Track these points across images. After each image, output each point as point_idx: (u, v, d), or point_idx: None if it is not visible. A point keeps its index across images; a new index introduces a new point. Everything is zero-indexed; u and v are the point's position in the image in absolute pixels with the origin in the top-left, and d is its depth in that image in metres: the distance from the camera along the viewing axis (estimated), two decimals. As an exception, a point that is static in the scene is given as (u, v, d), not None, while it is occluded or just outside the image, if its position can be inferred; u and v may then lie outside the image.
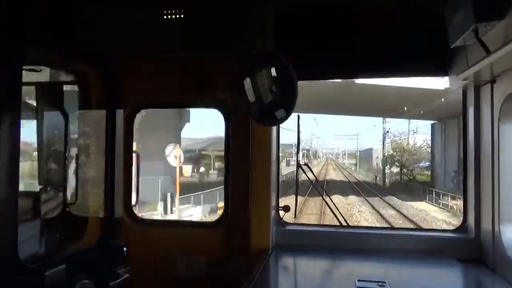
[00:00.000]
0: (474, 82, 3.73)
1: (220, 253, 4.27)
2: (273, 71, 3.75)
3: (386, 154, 55.96)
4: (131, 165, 4.66)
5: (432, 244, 4.02)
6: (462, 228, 4.10)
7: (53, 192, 4.62)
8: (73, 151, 4.62)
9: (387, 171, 56.10)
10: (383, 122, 56.33)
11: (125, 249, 4.14)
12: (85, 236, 4.22)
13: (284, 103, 3.77)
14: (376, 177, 59.51)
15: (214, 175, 49.46)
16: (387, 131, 56.58)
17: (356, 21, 4.04)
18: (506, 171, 3.37)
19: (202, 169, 51.56)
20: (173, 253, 4.34)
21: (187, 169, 45.88)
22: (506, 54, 2.61)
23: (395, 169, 55.74)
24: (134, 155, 4.81)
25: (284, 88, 3.75)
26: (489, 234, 3.59)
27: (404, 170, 53.73)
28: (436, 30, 3.57)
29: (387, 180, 54.59)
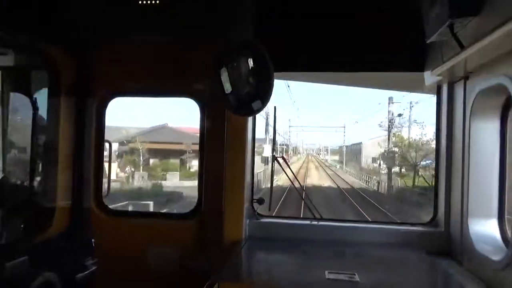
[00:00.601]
0: (448, 78, 3.78)
1: (192, 245, 4.21)
2: (250, 62, 3.69)
3: (389, 149, 37.45)
4: (102, 154, 4.52)
5: (403, 237, 4.07)
6: (432, 222, 4.17)
7: (18, 181, 4.43)
8: (41, 138, 4.43)
9: (382, 171, 39.91)
10: (389, 104, 37.28)
11: (93, 240, 4.02)
12: (51, 226, 4.06)
13: (260, 94, 3.72)
14: (377, 183, 38.01)
15: (142, 178, 30.19)
16: (393, 117, 37.02)
17: (334, 15, 4.03)
18: (476, 167, 3.43)
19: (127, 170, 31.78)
20: (144, 245, 4.25)
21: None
22: (479, 50, 2.63)
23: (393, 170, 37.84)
24: (106, 144, 4.67)
25: (260, 79, 3.71)
26: (457, 228, 3.66)
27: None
28: (413, 25, 3.59)
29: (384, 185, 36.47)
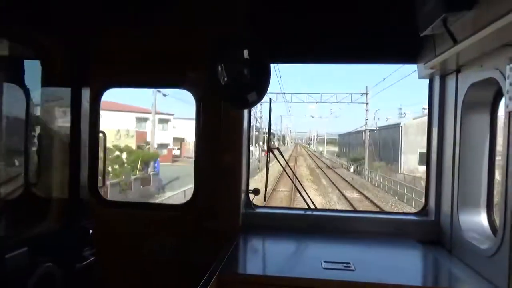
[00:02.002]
0: (440, 71, 3.85)
1: (189, 235, 4.27)
2: (246, 53, 3.70)
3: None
4: (97, 144, 4.53)
5: (395, 227, 4.18)
6: (423, 211, 4.29)
7: (14, 173, 4.41)
8: (36, 129, 4.41)
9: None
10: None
11: (91, 231, 4.05)
12: (49, 217, 4.08)
13: (256, 86, 3.75)
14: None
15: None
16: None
17: (329, 6, 4.04)
18: (466, 158, 3.53)
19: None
20: (141, 236, 4.30)
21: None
22: (472, 44, 2.69)
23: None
24: (101, 135, 4.67)
25: (256, 71, 3.73)
26: (448, 217, 3.77)
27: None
28: (407, 18, 3.63)
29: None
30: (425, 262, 3.75)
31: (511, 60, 2.42)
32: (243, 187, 4.36)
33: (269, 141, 4.84)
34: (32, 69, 4.39)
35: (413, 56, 4.12)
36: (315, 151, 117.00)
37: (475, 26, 2.60)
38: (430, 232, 4.02)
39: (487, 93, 3.35)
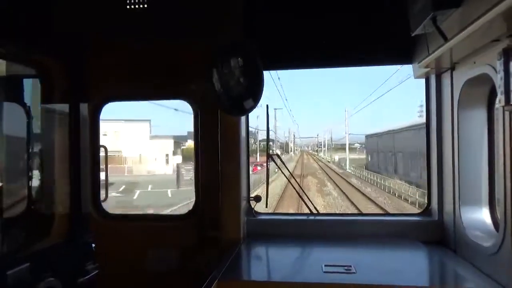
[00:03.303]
0: (435, 70, 3.85)
1: (191, 245, 4.26)
2: (240, 62, 3.74)
3: None
4: (98, 159, 4.56)
5: (398, 228, 4.14)
6: (426, 211, 4.25)
7: (15, 189, 4.45)
8: (37, 146, 4.46)
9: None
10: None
11: (93, 245, 4.06)
12: (51, 233, 4.10)
13: (252, 93, 3.78)
14: None
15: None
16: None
17: (321, 11, 4.08)
18: (466, 155, 3.50)
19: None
20: (144, 247, 4.30)
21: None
22: (463, 40, 2.70)
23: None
24: (102, 149, 4.70)
25: (251, 78, 3.76)
26: (450, 216, 3.73)
27: None
28: (399, 19, 3.65)
29: None
30: (430, 263, 3.71)
31: (501, 55, 2.41)
32: (244, 194, 4.35)
33: (268, 147, 4.84)
34: (32, 87, 4.46)
35: (407, 56, 4.13)
36: (329, 161, 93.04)
37: (463, 23, 2.61)
38: (434, 233, 3.98)
39: (483, 89, 3.34)
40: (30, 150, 4.37)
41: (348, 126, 74.79)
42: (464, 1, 2.78)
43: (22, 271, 3.14)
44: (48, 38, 3.90)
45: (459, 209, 3.52)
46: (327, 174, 54.32)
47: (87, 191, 4.38)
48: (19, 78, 4.54)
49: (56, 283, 3.40)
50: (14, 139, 4.55)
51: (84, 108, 4.41)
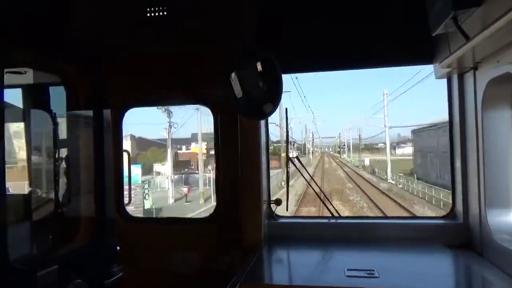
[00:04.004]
0: (457, 70, 3.77)
1: (213, 248, 4.30)
2: (259, 66, 3.77)
3: None
4: (122, 164, 4.66)
5: (421, 231, 4.07)
6: (451, 214, 4.15)
7: (44, 194, 4.60)
8: (63, 151, 4.60)
9: None
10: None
11: (118, 247, 4.16)
12: (77, 236, 4.22)
13: (271, 97, 3.80)
14: None
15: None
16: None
17: (339, 12, 4.06)
18: (491, 156, 3.42)
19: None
20: (167, 250, 4.37)
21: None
22: (485, 40, 2.64)
23: None
24: (124, 153, 4.81)
25: (270, 82, 3.78)
26: (476, 219, 3.64)
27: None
28: (419, 19, 3.60)
29: None
30: (456, 267, 3.63)
31: None
32: (265, 197, 4.36)
33: (287, 150, 4.84)
34: (57, 95, 4.62)
35: (428, 57, 4.05)
36: (357, 165, 73.31)
37: (485, 22, 2.56)
38: (459, 236, 3.88)
39: (507, 89, 3.25)
40: (57, 155, 4.52)
41: (387, 116, 49.96)
42: None
43: (51, 273, 3.25)
44: (72, 47, 4.04)
45: (485, 211, 3.43)
46: (366, 194, 32.66)
47: (111, 195, 4.49)
48: (45, 86, 4.71)
49: (83, 285, 3.50)
50: (42, 145, 4.72)
51: (107, 114, 4.53)
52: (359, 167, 69.01)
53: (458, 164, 4.01)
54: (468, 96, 3.74)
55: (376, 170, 56.27)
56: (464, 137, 3.88)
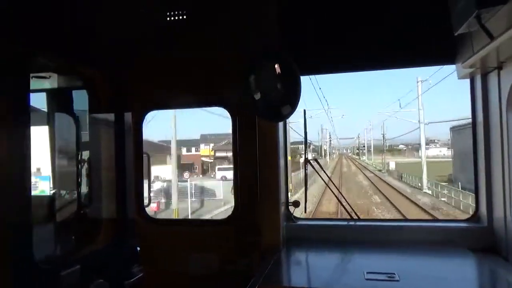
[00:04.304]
0: (480, 70, 3.68)
1: (232, 250, 4.31)
2: (277, 68, 3.77)
3: None
4: (142, 166, 4.73)
5: (444, 235, 3.98)
6: (474, 217, 4.05)
7: (67, 195, 4.72)
8: (85, 154, 4.71)
9: None
10: None
11: (138, 248, 4.22)
12: (99, 237, 4.31)
13: (289, 99, 3.79)
14: None
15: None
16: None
17: (358, 12, 4.02)
18: None
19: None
20: (186, 251, 4.40)
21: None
22: (510, 38, 2.57)
23: None
24: (144, 156, 4.88)
25: (288, 84, 3.78)
26: (501, 222, 3.55)
27: None
28: (441, 18, 3.53)
29: None
30: (479, 272, 3.53)
31: None
32: (283, 199, 4.35)
33: (305, 152, 4.82)
34: (80, 98, 4.73)
35: (450, 56, 3.97)
36: (380, 169, 64.12)
37: (511, 20, 2.49)
38: (483, 240, 3.78)
39: None
40: (79, 157, 4.63)
41: (422, 109, 39.15)
42: None
43: (74, 272, 3.33)
44: (93, 52, 4.13)
45: (511, 214, 3.34)
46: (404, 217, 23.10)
47: (132, 197, 4.56)
48: (68, 90, 4.83)
49: (104, 285, 3.57)
50: (65, 148, 4.84)
51: (127, 117, 4.61)
52: (383, 172, 60.24)
53: (482, 165, 3.91)
54: (492, 96, 3.65)
55: (403, 175, 48.53)
56: (488, 138, 3.79)
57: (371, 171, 61.54)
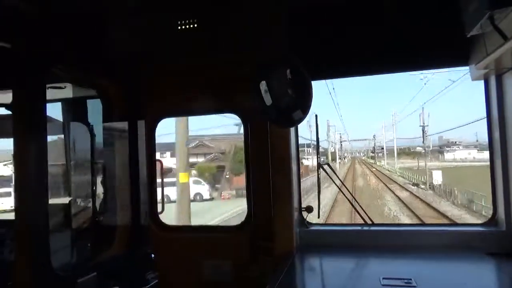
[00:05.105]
0: (495, 71, 3.63)
1: (245, 256, 4.31)
2: (288, 73, 3.77)
3: None
4: (155, 173, 4.78)
5: (461, 239, 3.91)
6: (492, 221, 3.97)
7: (83, 203, 4.79)
8: (100, 162, 4.78)
9: None
10: None
11: (152, 255, 4.25)
12: (114, 244, 4.36)
13: (300, 104, 3.79)
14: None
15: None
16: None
17: (369, 15, 4.00)
18: None
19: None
20: (200, 258, 4.42)
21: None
22: None
23: None
24: (157, 163, 4.93)
25: (299, 89, 3.77)
26: None
27: None
28: (453, 20, 3.50)
29: None
30: (498, 277, 3.45)
31: None
32: (296, 205, 4.34)
33: (318, 157, 4.80)
34: (94, 107, 4.82)
35: (464, 58, 3.92)
36: (415, 182, 44.33)
37: None
38: (501, 244, 3.70)
39: None
40: (94, 166, 4.70)
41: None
42: None
43: (90, 280, 3.37)
44: (107, 62, 4.20)
45: None
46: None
47: (146, 204, 4.60)
48: (83, 99, 4.93)
49: None
50: (80, 156, 4.92)
51: (140, 125, 4.67)
52: (422, 186, 40.85)
53: (498, 168, 3.84)
54: (508, 97, 3.59)
55: (461, 196, 30.18)
56: (505, 139, 3.72)
57: (402, 185, 41.66)
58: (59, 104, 4.76)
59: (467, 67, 3.99)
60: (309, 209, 4.47)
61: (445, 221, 23.17)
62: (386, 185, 39.45)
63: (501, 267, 3.43)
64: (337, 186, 4.80)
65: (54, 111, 4.74)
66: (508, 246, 3.65)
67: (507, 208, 3.73)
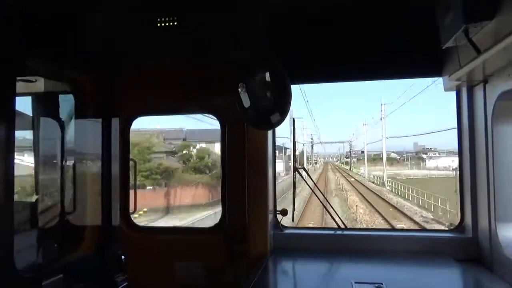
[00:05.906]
0: (467, 83, 3.76)
1: (219, 258, 4.27)
2: (267, 76, 3.77)
3: None
4: (128, 172, 4.66)
5: (430, 245, 4.02)
6: (459, 227, 4.11)
7: (50, 202, 4.60)
8: (70, 160, 4.61)
9: None
10: None
11: (123, 257, 4.14)
12: (83, 244, 4.21)
13: (279, 107, 3.79)
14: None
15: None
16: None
17: (347, 23, 4.07)
18: (501, 169, 3.39)
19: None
20: (172, 260, 4.34)
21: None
22: (497, 53, 2.63)
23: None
24: (131, 162, 4.81)
25: (278, 92, 3.78)
26: (486, 233, 3.60)
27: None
28: (428, 31, 3.59)
29: None
30: (464, 282, 3.57)
31: None
32: (271, 208, 4.34)
33: (294, 161, 4.83)
34: (66, 103, 4.65)
35: (437, 69, 4.05)
36: (400, 193, 36.59)
37: (497, 36, 2.55)
38: (468, 250, 3.83)
39: None
40: (64, 163, 4.53)
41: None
42: (498, 13, 2.71)
43: (56, 282, 3.24)
44: (81, 56, 4.07)
45: (495, 226, 3.39)
46: None
47: (117, 204, 4.48)
48: (55, 94, 4.74)
49: None
50: (49, 153, 4.73)
51: (114, 123, 4.54)
52: (427, 209, 29.23)
53: (467, 177, 3.97)
54: (478, 109, 3.72)
55: None
56: (473, 149, 3.85)
57: (387, 201, 30.95)
58: (29, 98, 4.55)
59: (441, 78, 4.12)
60: (284, 212, 4.49)
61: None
62: (372, 206, 26.15)
63: (467, 272, 3.55)
64: (311, 189, 4.82)
65: (23, 105, 4.54)
66: (474, 252, 3.78)
67: (474, 216, 3.87)
